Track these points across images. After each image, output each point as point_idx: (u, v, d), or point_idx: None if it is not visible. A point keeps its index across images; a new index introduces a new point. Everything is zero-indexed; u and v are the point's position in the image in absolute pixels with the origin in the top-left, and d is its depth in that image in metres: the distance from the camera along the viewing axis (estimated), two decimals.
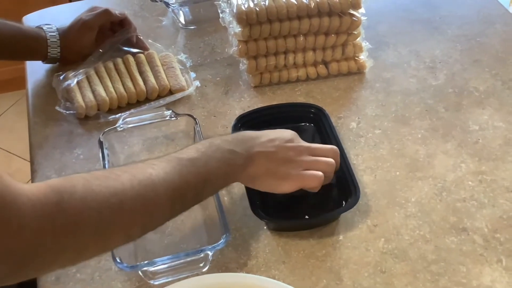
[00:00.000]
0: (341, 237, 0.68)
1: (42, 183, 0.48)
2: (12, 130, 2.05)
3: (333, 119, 0.80)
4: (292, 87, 0.90)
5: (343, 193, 0.70)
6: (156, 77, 0.89)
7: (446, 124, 0.82)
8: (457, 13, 1.03)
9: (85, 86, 0.87)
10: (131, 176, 0.54)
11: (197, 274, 0.63)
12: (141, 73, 0.89)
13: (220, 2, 0.89)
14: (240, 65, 0.91)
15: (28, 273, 0.47)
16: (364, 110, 0.85)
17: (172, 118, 0.77)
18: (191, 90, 0.88)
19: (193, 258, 0.61)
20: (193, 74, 0.91)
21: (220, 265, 0.65)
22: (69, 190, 0.48)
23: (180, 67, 0.92)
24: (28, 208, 0.44)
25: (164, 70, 0.90)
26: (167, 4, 0.99)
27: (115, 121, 0.80)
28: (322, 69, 0.90)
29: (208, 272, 0.64)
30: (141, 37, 0.96)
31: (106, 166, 0.71)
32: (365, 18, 0.86)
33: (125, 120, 0.77)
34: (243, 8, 0.82)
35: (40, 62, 0.94)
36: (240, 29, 0.84)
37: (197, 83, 0.90)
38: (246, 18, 0.82)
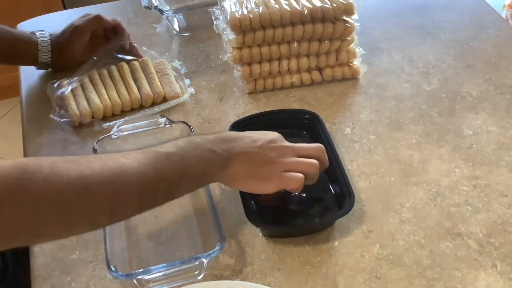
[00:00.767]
0: (336, 243, 0.68)
1: (11, 160, 0.49)
2: (7, 137, 2.04)
3: (327, 125, 0.80)
4: (287, 93, 0.90)
5: (338, 199, 0.70)
6: (151, 84, 0.89)
7: (440, 129, 0.82)
8: (450, 18, 1.04)
9: (79, 94, 0.87)
10: (102, 162, 0.54)
11: (192, 282, 0.63)
12: (136, 80, 0.89)
13: (214, 9, 0.89)
14: (235, 71, 0.91)
15: None
16: (358, 116, 0.85)
17: (167, 125, 0.77)
18: (185, 97, 0.88)
19: (188, 265, 0.61)
20: (187, 81, 0.91)
21: (215, 273, 0.65)
22: (32, 168, 0.49)
23: (175, 74, 0.92)
24: None
25: (158, 77, 0.90)
26: (161, 11, 0.99)
27: (110, 128, 0.80)
28: (316, 75, 0.90)
29: (203, 279, 0.64)
30: (135, 44, 0.96)
31: None
32: (359, 24, 0.87)
33: (120, 127, 0.77)
34: (237, 15, 0.82)
35: (34, 70, 0.94)
36: (234, 36, 0.84)
37: (191, 90, 0.90)
38: (240, 25, 0.82)
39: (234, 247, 0.68)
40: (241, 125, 0.80)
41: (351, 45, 0.89)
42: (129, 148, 0.80)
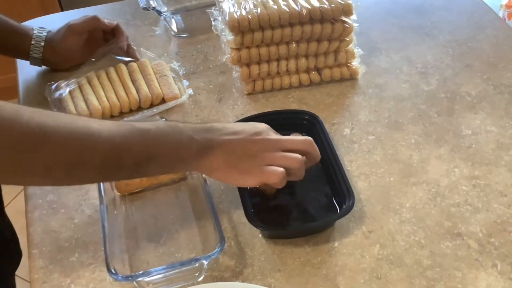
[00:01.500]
0: (336, 244, 0.68)
1: None
2: None
3: (326, 126, 0.80)
4: (285, 94, 0.90)
5: (337, 199, 0.70)
6: (149, 85, 0.88)
7: (439, 129, 0.82)
8: (448, 18, 1.04)
9: (77, 96, 0.87)
10: (71, 120, 0.55)
11: (193, 284, 0.63)
12: (134, 81, 0.89)
13: (212, 10, 0.89)
14: (233, 72, 0.91)
15: None
16: (357, 116, 0.85)
17: None
18: (184, 98, 0.88)
19: (188, 267, 0.61)
20: (186, 82, 0.91)
21: (215, 274, 0.65)
22: None
23: (173, 75, 0.92)
24: None
25: (157, 79, 0.90)
26: (159, 13, 0.99)
27: None
28: (315, 76, 0.90)
29: (203, 281, 0.64)
30: (134, 46, 0.96)
31: None
32: (357, 24, 0.86)
33: None
34: (236, 16, 0.82)
35: (31, 71, 0.94)
36: (232, 36, 0.84)
37: (190, 91, 0.90)
38: (238, 26, 0.82)
39: (234, 248, 0.68)
40: None
41: (350, 45, 0.89)
42: None
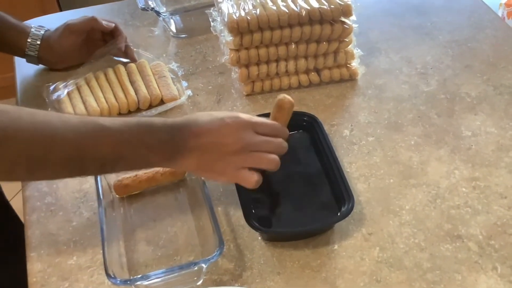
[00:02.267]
0: (336, 247, 0.67)
1: None
2: None
3: (326, 127, 0.80)
4: None
5: (337, 201, 0.70)
6: (148, 86, 0.88)
7: (439, 130, 0.82)
8: (448, 18, 1.03)
9: (75, 97, 0.86)
10: (36, 118, 0.56)
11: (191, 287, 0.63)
12: (132, 82, 0.89)
13: (211, 10, 0.89)
14: (232, 73, 0.90)
15: None
16: (357, 117, 0.85)
17: None
18: (183, 99, 0.88)
19: (187, 271, 0.61)
20: (184, 83, 0.91)
21: (214, 277, 0.65)
22: None
23: (172, 76, 0.91)
24: None
25: (155, 80, 0.90)
26: (158, 13, 0.98)
27: None
28: (314, 77, 0.90)
29: (202, 285, 0.64)
30: (132, 47, 0.95)
31: (98, 179, 0.70)
32: (357, 25, 0.86)
33: None
34: (234, 17, 0.82)
35: (29, 72, 0.94)
36: (231, 37, 0.84)
37: (189, 92, 0.89)
38: (237, 27, 0.82)
39: (233, 251, 0.67)
40: None
41: (349, 46, 0.88)
42: None
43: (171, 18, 1.01)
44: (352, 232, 0.69)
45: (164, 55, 0.99)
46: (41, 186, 0.77)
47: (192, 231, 0.69)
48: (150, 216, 0.72)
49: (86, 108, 0.85)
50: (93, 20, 0.91)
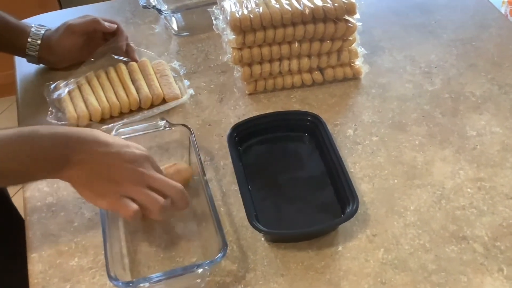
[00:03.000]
0: (340, 248, 0.67)
1: None
2: None
3: (329, 126, 0.79)
4: (287, 94, 0.89)
5: (341, 202, 0.69)
6: (149, 85, 0.87)
7: (443, 130, 0.81)
8: (452, 17, 1.03)
9: (76, 96, 0.85)
10: None
11: None
12: (134, 81, 0.88)
13: (213, 9, 0.88)
14: (235, 72, 0.89)
15: None
16: (360, 117, 0.84)
17: (166, 129, 0.76)
18: (185, 98, 0.87)
19: (190, 273, 0.60)
20: (187, 82, 0.90)
21: (217, 279, 0.64)
22: None
23: (174, 74, 0.90)
24: None
25: (157, 78, 0.89)
26: (160, 11, 0.97)
27: (108, 131, 0.78)
28: (317, 76, 0.89)
29: (205, 287, 0.63)
30: (133, 46, 0.94)
31: None
32: (360, 23, 0.85)
33: (118, 130, 0.75)
34: (237, 15, 0.81)
35: (29, 70, 0.93)
36: (234, 36, 0.83)
37: (191, 91, 0.89)
38: (240, 25, 0.81)
39: (236, 252, 0.67)
40: (241, 127, 0.79)
41: (353, 45, 0.87)
42: None
43: (173, 16, 1.00)
44: (357, 233, 0.68)
45: (166, 53, 0.98)
46: (42, 186, 0.76)
47: (194, 232, 0.69)
48: None
49: (87, 107, 0.84)
50: (95, 21, 0.90)
